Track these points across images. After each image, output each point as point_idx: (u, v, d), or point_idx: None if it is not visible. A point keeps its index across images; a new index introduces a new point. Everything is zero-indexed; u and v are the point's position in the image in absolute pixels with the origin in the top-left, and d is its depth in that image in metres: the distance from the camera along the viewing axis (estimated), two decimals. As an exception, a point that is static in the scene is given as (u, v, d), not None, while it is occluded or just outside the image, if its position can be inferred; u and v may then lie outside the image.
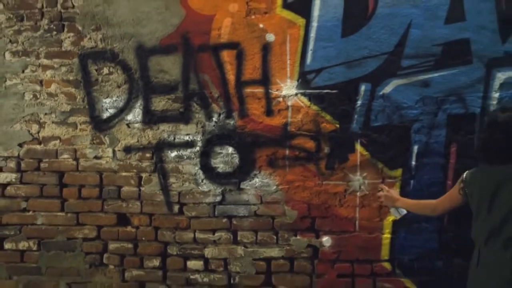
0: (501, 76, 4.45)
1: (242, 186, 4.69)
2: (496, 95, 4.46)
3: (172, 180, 4.71)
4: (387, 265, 4.59)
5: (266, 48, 4.59)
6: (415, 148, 4.51)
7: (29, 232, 4.79)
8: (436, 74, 4.47)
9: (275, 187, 4.64)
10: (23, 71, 4.71)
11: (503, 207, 3.36)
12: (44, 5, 4.67)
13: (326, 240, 4.61)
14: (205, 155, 4.68)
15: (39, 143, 4.75)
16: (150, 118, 4.69)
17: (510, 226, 3.31)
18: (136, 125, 4.70)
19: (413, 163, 4.52)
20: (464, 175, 3.64)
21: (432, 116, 4.50)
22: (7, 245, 4.75)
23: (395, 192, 4.22)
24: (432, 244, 4.55)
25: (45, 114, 4.73)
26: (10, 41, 4.68)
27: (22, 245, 4.74)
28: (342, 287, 4.65)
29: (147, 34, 4.65)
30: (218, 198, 4.67)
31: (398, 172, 4.55)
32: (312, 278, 4.67)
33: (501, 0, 4.46)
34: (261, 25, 4.58)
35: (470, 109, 4.47)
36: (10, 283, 4.74)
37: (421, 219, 4.54)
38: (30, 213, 4.78)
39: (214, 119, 4.66)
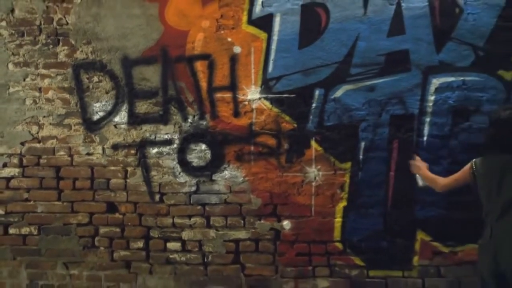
0: (436, 82, 4.29)
1: (213, 177, 4.48)
2: (431, 98, 4.29)
3: (153, 173, 4.50)
4: (339, 245, 4.40)
5: (233, 59, 4.43)
6: (362, 144, 4.36)
7: (30, 219, 4.58)
8: (380, 80, 4.33)
9: (242, 178, 4.47)
10: (24, 80, 4.51)
11: (511, 189, 3.41)
12: (42, 23, 4.49)
13: (286, 224, 4.44)
14: (182, 151, 4.49)
15: (39, 142, 4.55)
16: (134, 120, 4.50)
17: None
18: (122, 125, 4.50)
19: (361, 157, 4.37)
20: (474, 162, 3.57)
21: (377, 116, 4.35)
22: (11, 230, 4.57)
23: (422, 164, 3.99)
24: (377, 226, 4.36)
25: (44, 117, 4.53)
26: (13, 53, 4.51)
27: (24, 230, 4.56)
28: (301, 264, 4.45)
29: (131, 47, 4.46)
30: (193, 188, 4.50)
31: (348, 165, 4.38)
32: (274, 257, 4.45)
33: (436, 16, 4.29)
34: (229, 39, 4.44)
35: (409, 110, 4.31)
36: (14, 263, 4.56)
37: (368, 205, 4.36)
38: (31, 202, 4.56)
39: (189, 120, 4.46)
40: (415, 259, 4.36)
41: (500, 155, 3.44)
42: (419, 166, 4.10)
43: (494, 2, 4.22)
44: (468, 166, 3.65)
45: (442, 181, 3.84)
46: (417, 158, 4.18)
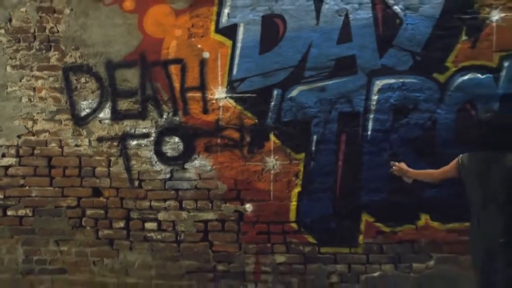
0: (378, 83, 4.09)
1: (185, 166, 4.25)
2: (375, 97, 4.10)
3: (133, 162, 4.28)
4: (294, 225, 4.21)
5: (203, 63, 4.19)
6: (314, 137, 4.16)
7: (26, 202, 4.35)
8: (330, 82, 4.12)
9: (210, 167, 4.24)
10: (20, 80, 4.29)
11: (495, 181, 3.17)
12: (36, 31, 4.24)
13: (248, 206, 4.24)
14: (158, 143, 4.26)
15: (33, 135, 4.32)
16: (116, 116, 4.27)
17: (502, 195, 3.16)
18: (106, 121, 4.27)
19: (313, 149, 4.16)
20: (460, 157, 3.38)
21: (327, 113, 4.14)
22: (9, 212, 4.35)
23: (404, 166, 3.73)
24: (327, 209, 4.16)
25: (37, 113, 4.30)
26: (10, 57, 4.27)
27: (21, 212, 4.35)
28: (261, 242, 4.25)
29: (113, 52, 4.22)
30: (168, 176, 4.27)
31: (302, 155, 4.17)
32: (238, 235, 4.26)
33: (379, 26, 4.07)
34: (199, 46, 4.18)
35: (355, 108, 4.12)
36: (12, 241, 4.33)
37: (319, 191, 4.17)
38: (27, 188, 4.35)
39: (164, 116, 4.23)
40: (361, 238, 4.19)
41: (483, 152, 3.30)
42: (405, 169, 3.73)
43: (430, 14, 4.02)
44: (454, 161, 3.45)
45: (437, 174, 3.58)
46: (395, 163, 3.77)
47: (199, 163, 4.26)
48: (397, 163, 3.79)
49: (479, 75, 4.04)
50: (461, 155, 3.42)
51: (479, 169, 3.29)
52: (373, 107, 4.13)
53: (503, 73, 4.01)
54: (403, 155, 4.08)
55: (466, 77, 4.05)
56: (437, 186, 3.98)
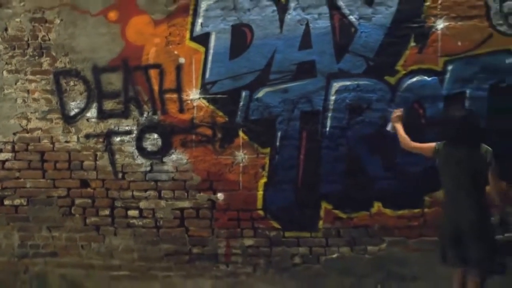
0: (336, 85, 3.88)
1: (164, 160, 4.03)
2: (332, 98, 3.87)
3: (117, 156, 4.06)
4: (261, 212, 3.99)
5: (179, 68, 3.97)
6: (279, 134, 3.94)
7: (21, 193, 4.15)
8: (292, 84, 3.90)
9: (185, 160, 4.01)
10: (15, 83, 4.08)
11: (463, 171, 3.18)
12: (29, 39, 4.03)
13: (220, 195, 4.02)
14: (139, 140, 4.05)
15: (27, 132, 4.12)
16: (102, 115, 4.05)
17: (469, 183, 3.17)
18: (93, 119, 4.06)
19: (278, 144, 3.94)
20: (437, 144, 3.33)
21: (290, 112, 3.92)
22: (6, 202, 4.15)
23: (400, 118, 3.67)
24: (291, 198, 3.96)
25: (31, 112, 4.09)
26: (6, 63, 4.07)
27: (16, 201, 4.14)
28: (231, 227, 4.03)
29: (99, 58, 4.00)
30: (148, 168, 4.05)
31: (268, 150, 3.95)
32: (211, 221, 4.04)
33: (336, 34, 3.84)
34: (175, 52, 3.95)
35: (315, 107, 3.89)
36: (8, 228, 4.13)
37: (283, 181, 3.95)
38: (22, 180, 4.14)
39: (144, 115, 4.01)
40: (320, 223, 3.97)
41: (454, 146, 3.24)
42: (397, 119, 3.66)
43: (382, 23, 3.80)
44: (432, 145, 3.37)
45: (412, 144, 3.49)
46: (397, 111, 3.70)
47: (176, 157, 4.03)
48: (398, 112, 3.67)
49: (425, 77, 3.85)
50: (437, 143, 3.34)
51: (451, 159, 3.25)
52: (331, 107, 3.90)
53: (447, 75, 3.82)
54: (358, 149, 3.89)
55: (414, 79, 3.85)
56: (390, 171, 3.88)
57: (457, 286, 3.44)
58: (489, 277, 3.33)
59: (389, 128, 3.76)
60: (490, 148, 3.22)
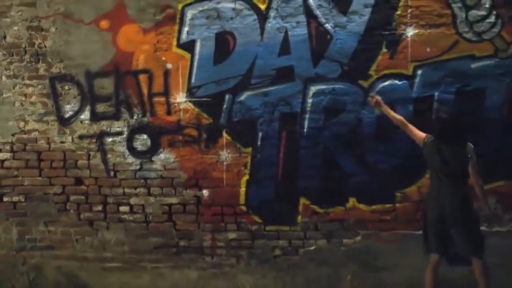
0: (313, 89, 3.76)
1: (153, 159, 3.86)
2: (310, 100, 3.75)
3: (109, 156, 3.89)
4: (243, 208, 3.83)
5: (166, 73, 3.81)
6: (260, 134, 3.79)
7: (19, 190, 3.98)
8: (272, 88, 3.77)
9: (173, 159, 3.84)
10: (13, 88, 3.92)
11: (448, 165, 3.19)
12: (27, 46, 3.87)
13: (205, 192, 3.86)
14: (130, 140, 3.89)
15: (25, 134, 3.95)
16: (95, 117, 3.89)
17: (452, 175, 3.19)
18: (86, 121, 3.89)
19: (259, 143, 3.79)
20: (427, 137, 3.29)
21: (270, 114, 3.77)
22: (5, 199, 3.98)
23: (380, 100, 3.50)
24: (271, 194, 3.81)
25: (28, 115, 3.93)
26: (5, 69, 3.91)
27: (15, 198, 3.97)
28: (216, 221, 3.86)
29: (92, 64, 3.84)
30: (138, 167, 3.88)
31: (249, 149, 3.80)
32: (197, 216, 3.87)
33: (313, 41, 3.71)
34: (163, 58, 3.79)
35: (293, 110, 3.77)
36: (7, 223, 3.96)
37: (264, 179, 3.81)
38: (20, 178, 3.96)
39: (134, 117, 3.85)
40: (299, 218, 3.81)
41: (440, 142, 3.22)
42: (380, 102, 3.50)
43: (356, 31, 3.67)
44: (423, 135, 3.32)
45: (409, 127, 3.39)
46: (374, 96, 3.55)
47: (164, 156, 3.85)
48: (375, 96, 3.49)
49: (396, 81, 3.71)
50: (427, 136, 3.29)
51: (437, 153, 3.23)
52: (308, 109, 3.75)
53: (417, 79, 3.70)
54: (334, 149, 3.72)
55: (386, 83, 3.71)
56: (364, 169, 3.78)
57: (430, 272, 3.38)
58: (480, 258, 3.25)
59: (377, 112, 3.57)
60: (471, 145, 3.20)
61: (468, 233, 3.21)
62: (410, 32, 3.72)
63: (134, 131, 3.90)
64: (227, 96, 3.81)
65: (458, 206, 3.18)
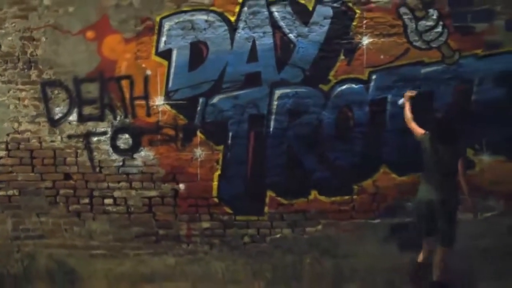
0: (278, 92, 3.93)
1: (134, 156, 4.01)
2: (275, 103, 3.93)
3: (95, 153, 4.05)
4: (216, 200, 3.99)
5: (146, 78, 3.96)
6: (230, 134, 3.96)
7: (14, 185, 4.11)
8: (241, 92, 3.93)
9: (152, 156, 4.01)
10: (8, 92, 4.05)
11: (441, 160, 3.47)
12: (20, 54, 4.01)
13: (182, 186, 4.01)
14: (113, 139, 4.04)
15: (19, 134, 4.09)
16: (82, 119, 4.04)
17: (443, 169, 3.46)
18: (74, 122, 4.03)
19: (229, 142, 3.96)
20: (424, 134, 3.55)
21: (240, 115, 3.93)
22: (1, 193, 4.12)
23: (410, 98, 3.75)
24: (240, 187, 4.00)
25: (22, 117, 4.06)
26: (0, 75, 4.05)
27: (10, 192, 4.12)
28: (191, 212, 4.02)
29: (79, 71, 3.97)
30: (121, 163, 4.04)
31: (221, 147, 3.96)
32: (174, 208, 4.03)
33: (278, 49, 3.89)
34: (143, 65, 3.93)
35: (261, 111, 3.94)
36: (3, 215, 4.11)
37: (234, 174, 3.99)
38: (14, 174, 4.10)
39: (118, 118, 4.00)
40: (266, 209, 3.98)
41: (435, 139, 3.48)
42: (408, 95, 3.75)
43: (316, 40, 3.83)
44: (422, 132, 3.57)
45: (412, 123, 3.69)
46: (408, 93, 3.75)
47: (144, 154, 4.01)
48: (409, 93, 3.75)
49: (353, 85, 3.90)
50: (425, 132, 3.52)
51: (432, 149, 3.49)
52: (274, 111, 3.90)
53: (372, 84, 3.89)
54: (297, 147, 3.90)
55: (343, 87, 3.90)
56: (324, 164, 4.02)
57: (425, 254, 3.60)
58: (451, 246, 3.46)
59: (400, 102, 3.75)
60: (463, 144, 3.51)
61: (451, 221, 3.42)
62: (365, 41, 3.92)
63: (117, 131, 4.07)
64: (201, 99, 3.98)
65: (448, 196, 3.39)
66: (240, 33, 3.97)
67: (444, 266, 3.43)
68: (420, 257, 3.54)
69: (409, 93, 3.75)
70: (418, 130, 3.58)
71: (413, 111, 3.64)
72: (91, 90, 4.03)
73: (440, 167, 3.41)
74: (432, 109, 3.78)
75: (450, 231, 3.41)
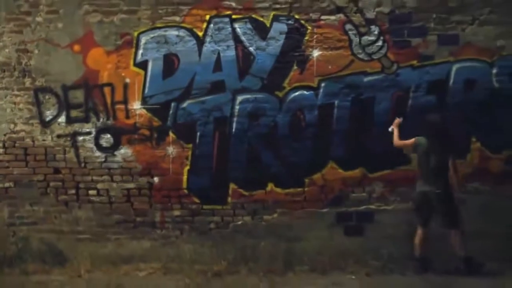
0: (239, 98, 4.35)
1: (115, 153, 4.37)
2: (237, 107, 4.32)
3: (80, 151, 4.38)
4: (186, 191, 4.36)
5: (125, 86, 4.34)
6: (198, 134, 4.36)
7: (10, 178, 4.42)
8: (208, 97, 4.32)
9: (131, 153, 4.36)
10: (5, 97, 4.38)
11: (435, 159, 3.87)
12: (15, 64, 4.36)
13: (156, 179, 4.37)
14: (97, 138, 4.40)
15: (14, 133, 4.42)
16: (69, 120, 4.39)
17: (437, 166, 3.86)
18: (63, 123, 4.36)
19: (197, 141, 4.35)
20: (417, 139, 3.97)
21: (206, 118, 4.33)
22: None
23: (398, 124, 4.20)
24: (207, 181, 4.41)
25: (17, 119, 4.39)
26: None
27: (7, 185, 4.43)
28: (165, 202, 4.38)
29: (67, 79, 4.33)
30: (103, 159, 4.39)
31: (190, 145, 4.34)
32: (150, 198, 4.39)
33: (239, 61, 4.31)
34: (123, 74, 4.32)
35: (224, 114, 4.34)
36: (0, 204, 4.51)
37: (201, 169, 4.35)
38: (10, 168, 4.43)
39: (101, 120, 4.36)
40: (229, 199, 4.37)
41: (428, 139, 3.90)
42: (397, 126, 4.18)
43: (273, 53, 4.29)
44: (411, 141, 3.95)
45: (399, 141, 4.09)
46: (395, 125, 4.17)
47: (124, 151, 4.36)
48: (395, 124, 4.17)
49: (305, 92, 4.32)
50: (417, 138, 3.93)
51: (427, 150, 3.86)
52: (236, 114, 4.29)
53: (321, 90, 4.34)
54: (256, 145, 4.33)
55: (296, 93, 4.32)
56: (279, 160, 4.41)
57: (419, 239, 3.96)
58: (456, 229, 3.80)
59: (390, 129, 4.19)
60: (453, 144, 3.87)
61: (447, 210, 3.76)
62: (316, 53, 4.34)
63: (100, 131, 4.42)
64: (172, 104, 4.35)
65: (441, 190, 3.74)
66: (207, 47, 4.38)
67: (460, 243, 3.85)
68: (417, 240, 3.99)
69: (397, 120, 4.21)
70: (408, 143, 3.96)
71: (399, 135, 4.14)
72: (78, 96, 4.39)
73: (434, 166, 3.78)
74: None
75: (451, 216, 3.79)
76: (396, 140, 4.07)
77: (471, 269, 3.75)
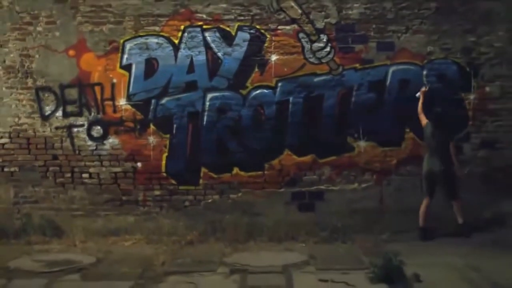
0: (210, 96, 4.83)
1: (104, 142, 4.79)
2: (208, 103, 4.81)
3: (75, 140, 4.83)
4: (164, 174, 4.82)
5: (113, 85, 4.80)
6: (175, 126, 4.81)
7: (15, 163, 4.85)
8: (183, 95, 4.80)
9: (117, 142, 4.82)
10: (10, 95, 4.81)
11: (438, 140, 4.52)
12: (19, 67, 4.80)
13: (139, 164, 4.83)
14: (89, 130, 4.85)
15: (19, 126, 4.84)
16: (66, 114, 4.83)
17: (441, 147, 4.49)
18: (60, 117, 4.79)
19: (174, 132, 4.80)
20: (427, 122, 4.59)
21: (182, 112, 4.77)
22: (5, 169, 4.91)
23: (424, 91, 4.70)
24: (182, 165, 4.90)
25: (21, 113, 4.82)
26: (4, 82, 4.81)
27: (12, 169, 4.86)
28: (146, 183, 4.82)
29: (64, 79, 4.77)
30: (94, 147, 4.83)
31: (168, 135, 4.80)
32: (134, 180, 4.82)
33: (209, 64, 4.78)
34: (111, 75, 4.75)
35: (197, 109, 4.80)
36: (7, 186, 4.88)
37: (177, 155, 4.84)
38: (15, 155, 4.86)
39: (92, 114, 4.81)
40: (201, 181, 4.84)
41: (433, 125, 4.50)
42: (423, 93, 4.64)
43: (237, 57, 4.79)
44: (425, 121, 4.56)
45: (422, 114, 4.68)
46: (424, 89, 4.61)
47: (112, 141, 4.80)
48: (425, 88, 4.62)
49: (264, 90, 4.83)
50: (427, 122, 4.52)
51: (432, 133, 4.48)
52: (206, 109, 4.76)
53: (278, 89, 4.88)
54: (223, 135, 4.83)
55: (257, 92, 4.84)
56: (243, 147, 4.91)
57: (424, 208, 4.51)
58: (457, 198, 4.40)
59: (417, 95, 4.64)
60: (453, 130, 4.48)
61: (449, 183, 4.37)
62: (274, 58, 4.88)
63: (92, 124, 4.86)
64: (153, 101, 4.82)
65: (444, 165, 4.35)
66: (182, 52, 4.89)
67: (460, 212, 4.47)
68: (422, 209, 4.53)
69: (424, 88, 4.62)
70: (424, 120, 4.47)
71: (423, 104, 4.56)
72: (72, 93, 4.85)
73: (438, 147, 4.37)
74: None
75: (450, 189, 4.41)
76: (420, 107, 4.56)
77: (469, 232, 4.39)
